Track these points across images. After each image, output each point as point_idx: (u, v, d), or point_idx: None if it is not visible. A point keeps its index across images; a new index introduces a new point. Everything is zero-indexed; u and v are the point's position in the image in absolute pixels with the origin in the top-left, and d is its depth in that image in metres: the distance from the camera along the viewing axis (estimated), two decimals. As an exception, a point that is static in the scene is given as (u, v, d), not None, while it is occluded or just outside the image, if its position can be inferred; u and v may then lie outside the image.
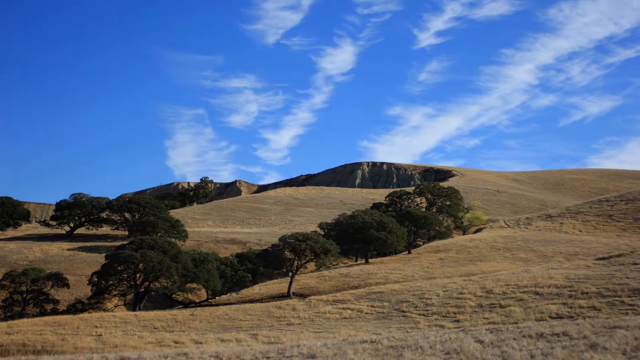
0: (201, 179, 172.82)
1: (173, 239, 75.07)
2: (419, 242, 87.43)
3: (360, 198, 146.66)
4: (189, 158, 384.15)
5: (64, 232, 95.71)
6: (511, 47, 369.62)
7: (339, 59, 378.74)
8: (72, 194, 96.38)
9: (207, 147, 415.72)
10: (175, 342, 32.41)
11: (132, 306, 56.46)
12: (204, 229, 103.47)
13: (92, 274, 56.77)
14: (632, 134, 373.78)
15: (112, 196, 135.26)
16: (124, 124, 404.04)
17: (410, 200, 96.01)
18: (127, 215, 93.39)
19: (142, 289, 55.50)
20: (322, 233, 73.65)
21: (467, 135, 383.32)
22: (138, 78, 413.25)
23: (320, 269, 67.66)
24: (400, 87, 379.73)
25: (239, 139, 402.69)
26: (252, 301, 52.64)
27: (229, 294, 61.57)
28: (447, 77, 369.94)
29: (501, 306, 35.85)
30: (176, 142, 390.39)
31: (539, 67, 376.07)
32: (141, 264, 53.86)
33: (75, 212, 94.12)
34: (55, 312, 54.57)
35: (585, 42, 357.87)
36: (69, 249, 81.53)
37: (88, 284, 57.68)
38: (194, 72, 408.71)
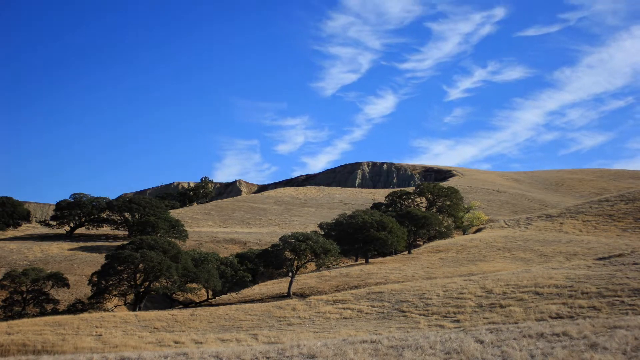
0: (201, 179, 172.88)
1: (173, 239, 75.07)
2: (419, 242, 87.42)
3: (361, 198, 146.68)
4: (231, 177, 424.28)
5: (64, 232, 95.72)
6: (522, 97, 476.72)
7: (381, 106, 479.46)
8: (72, 194, 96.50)
9: (250, 168, 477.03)
10: (176, 342, 32.41)
11: (132, 306, 56.46)
12: (204, 229, 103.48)
13: (92, 274, 56.76)
14: (620, 158, 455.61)
15: (112, 196, 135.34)
16: (183, 148, 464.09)
17: (410, 200, 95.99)
18: (127, 215, 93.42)
19: (142, 289, 55.49)
20: (322, 233, 73.63)
21: (480, 161, 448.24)
22: (204, 115, 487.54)
23: (320, 269, 67.63)
24: (427, 126, 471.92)
25: (280, 162, 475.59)
26: (252, 301, 52.64)
27: (229, 294, 61.56)
28: (468, 119, 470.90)
29: (501, 306, 35.86)
30: (224, 164, 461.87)
31: (546, 113, 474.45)
32: (141, 264, 53.86)
33: (76, 212, 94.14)
34: (55, 312, 54.58)
35: (584, 95, 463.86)
36: (69, 249, 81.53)
37: (88, 284, 57.68)
38: (258, 114, 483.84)
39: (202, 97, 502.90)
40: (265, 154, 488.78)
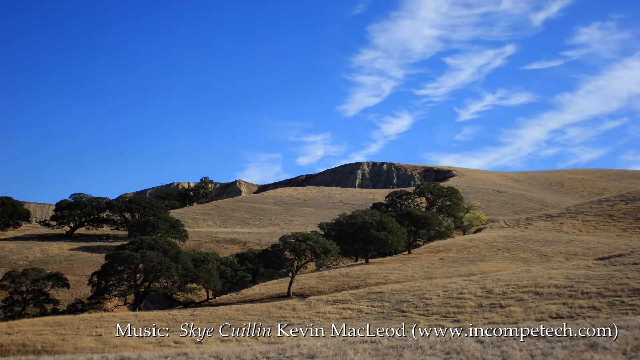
0: (201, 179, 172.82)
1: (173, 239, 75.04)
2: (419, 242, 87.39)
3: (361, 198, 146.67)
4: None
5: (64, 232, 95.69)
6: (526, 117, 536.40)
7: (397, 125, 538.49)
8: (72, 194, 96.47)
9: (269, 178, 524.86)
10: (176, 342, 32.43)
11: (132, 306, 56.45)
12: (204, 229, 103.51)
13: (92, 274, 56.76)
14: (613, 166, 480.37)
15: (112, 196, 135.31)
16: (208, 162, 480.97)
17: (410, 200, 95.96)
18: (127, 215, 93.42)
19: (142, 289, 55.48)
20: (322, 233, 73.60)
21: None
22: (233, 132, 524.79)
23: (320, 269, 67.63)
24: (438, 142, 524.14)
25: (298, 172, 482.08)
26: (252, 301, 52.65)
27: (229, 294, 61.58)
28: (476, 137, 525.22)
29: (501, 306, 35.86)
30: (245, 175, 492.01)
31: (548, 131, 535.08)
32: (141, 264, 53.83)
33: (75, 212, 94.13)
34: (55, 312, 54.57)
35: (584, 116, 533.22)
36: (69, 249, 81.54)
37: (88, 284, 57.68)
38: (285, 131, 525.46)
39: (238, 117, 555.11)
40: (285, 166, 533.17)
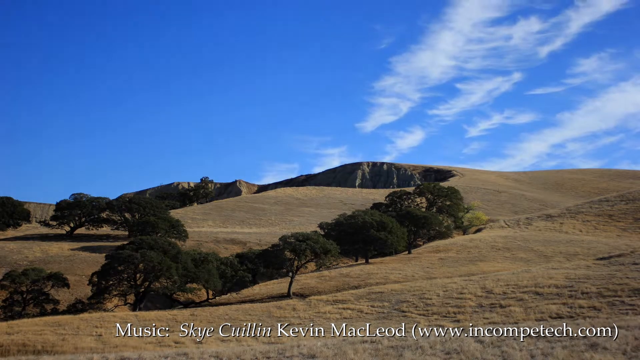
0: (201, 179, 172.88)
1: (173, 239, 75.04)
2: (419, 242, 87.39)
3: (361, 198, 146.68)
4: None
5: (64, 232, 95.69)
6: (529, 132, 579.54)
7: (410, 139, 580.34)
8: (72, 194, 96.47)
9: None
10: (176, 342, 32.44)
11: (133, 306, 56.46)
12: (204, 229, 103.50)
13: (92, 274, 56.74)
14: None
15: (112, 196, 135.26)
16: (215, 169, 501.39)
17: (410, 200, 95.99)
18: (127, 215, 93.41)
19: (142, 289, 55.48)
20: (322, 233, 73.59)
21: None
22: (255, 144, 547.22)
23: (321, 269, 67.62)
24: (446, 155, 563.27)
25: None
26: (252, 301, 52.66)
27: (229, 294, 61.58)
28: (482, 151, 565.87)
29: (501, 306, 35.87)
30: (261, 182, 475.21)
31: (549, 145, 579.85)
32: (141, 264, 53.82)
33: (76, 212, 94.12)
34: (55, 312, 54.56)
35: (583, 132, 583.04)
36: (69, 249, 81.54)
37: (88, 284, 57.66)
38: (304, 144, 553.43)
39: (260, 131, 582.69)
40: (301, 174, 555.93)
